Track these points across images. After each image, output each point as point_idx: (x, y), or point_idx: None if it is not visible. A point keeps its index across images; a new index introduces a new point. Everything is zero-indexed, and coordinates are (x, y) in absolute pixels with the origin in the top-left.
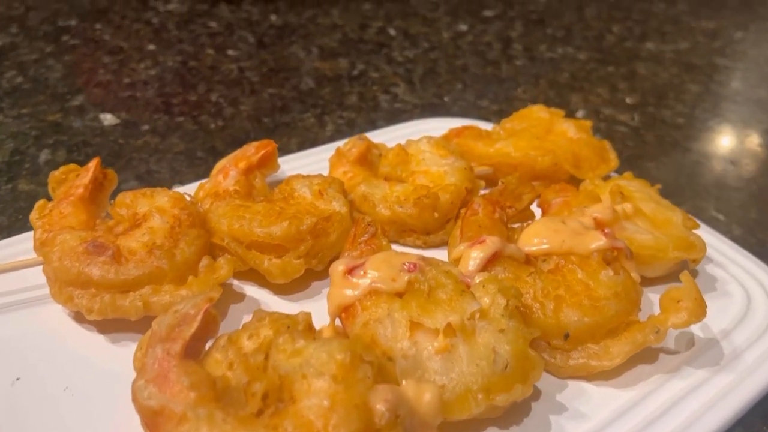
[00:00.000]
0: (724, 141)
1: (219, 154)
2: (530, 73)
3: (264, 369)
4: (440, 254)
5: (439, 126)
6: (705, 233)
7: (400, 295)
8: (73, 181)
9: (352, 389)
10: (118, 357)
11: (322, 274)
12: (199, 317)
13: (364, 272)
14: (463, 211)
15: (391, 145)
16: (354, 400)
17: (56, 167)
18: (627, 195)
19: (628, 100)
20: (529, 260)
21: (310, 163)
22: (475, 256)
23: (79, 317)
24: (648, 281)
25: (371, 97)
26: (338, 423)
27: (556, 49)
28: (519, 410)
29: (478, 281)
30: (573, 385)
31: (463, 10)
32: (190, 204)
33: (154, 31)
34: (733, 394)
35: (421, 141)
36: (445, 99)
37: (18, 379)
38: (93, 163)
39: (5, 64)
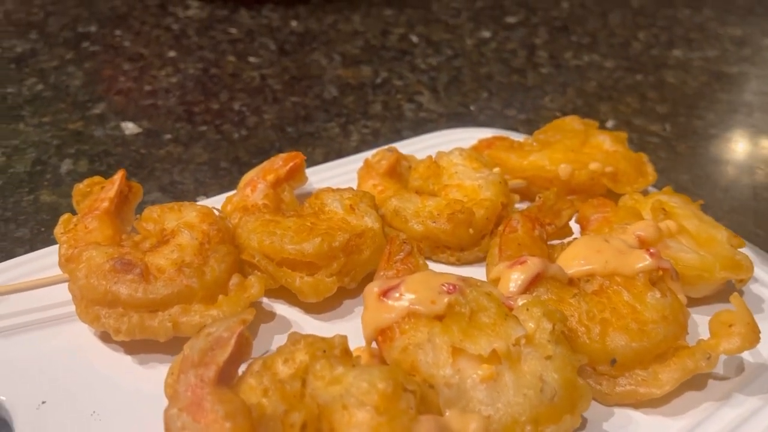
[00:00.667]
0: (760, 152)
1: (243, 165)
2: (557, 82)
3: (301, 397)
4: (475, 271)
5: (466, 136)
6: (749, 251)
7: (439, 318)
8: (98, 194)
9: (396, 421)
10: (147, 379)
11: (355, 293)
12: (233, 341)
13: (400, 294)
14: (501, 228)
15: (419, 156)
16: None
17: (78, 178)
18: (669, 211)
19: (659, 110)
20: (571, 281)
21: (337, 174)
22: (516, 278)
23: (105, 336)
24: (692, 302)
25: (395, 105)
26: None
27: (582, 56)
28: None
29: (521, 304)
30: (620, 413)
31: (486, 17)
32: (219, 219)
33: (174, 37)
34: None
35: (453, 153)
36: (471, 108)
37: (44, 402)
38: (118, 176)
39: (26, 71)
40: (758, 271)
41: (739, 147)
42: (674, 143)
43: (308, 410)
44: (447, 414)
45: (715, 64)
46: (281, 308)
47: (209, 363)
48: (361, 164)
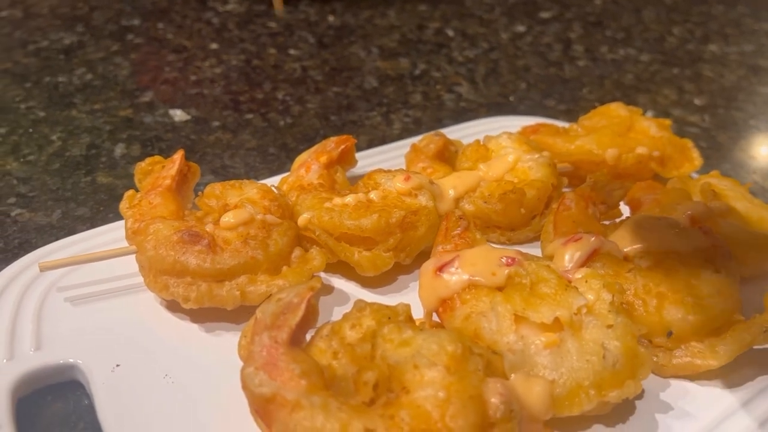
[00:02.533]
0: None
1: (291, 151)
2: (594, 74)
3: (371, 358)
4: (526, 251)
5: (509, 124)
6: None
7: (500, 289)
8: (159, 172)
9: (466, 380)
10: (215, 345)
11: (410, 269)
12: (304, 305)
13: (456, 268)
14: (555, 206)
15: (465, 142)
16: (469, 392)
17: (132, 161)
18: (719, 193)
19: (697, 102)
20: (626, 257)
21: (384, 159)
22: (571, 254)
23: (171, 306)
24: (745, 280)
25: (435, 96)
26: (455, 414)
27: (618, 50)
28: (624, 409)
29: (579, 276)
30: (676, 384)
31: (519, 12)
32: (278, 196)
33: (216, 30)
34: None
35: (501, 137)
36: (511, 98)
37: (118, 365)
38: (178, 155)
39: (74, 61)
40: None
41: None
42: (714, 133)
43: (379, 370)
44: (512, 377)
45: (752, 58)
46: (339, 282)
47: (282, 325)
48: (406, 150)
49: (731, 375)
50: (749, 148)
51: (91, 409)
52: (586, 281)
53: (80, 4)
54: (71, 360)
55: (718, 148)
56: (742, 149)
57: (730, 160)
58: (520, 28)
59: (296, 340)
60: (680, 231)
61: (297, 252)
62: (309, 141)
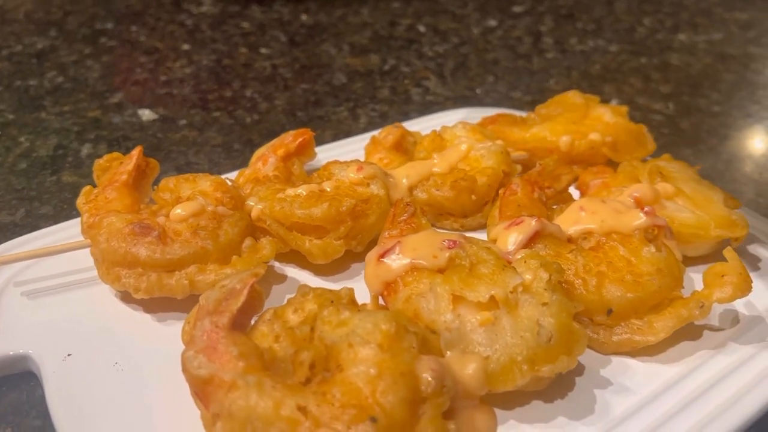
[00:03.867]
0: (763, 126)
1: (255, 146)
2: (562, 66)
3: (310, 340)
4: (478, 237)
5: (472, 116)
6: (746, 213)
7: (441, 271)
8: (117, 168)
9: (398, 357)
10: (165, 334)
11: (361, 256)
12: (246, 291)
13: (398, 253)
14: (501, 191)
15: (425, 134)
16: (400, 368)
17: None
18: (666, 175)
19: (662, 90)
20: (570, 239)
21: (345, 152)
22: (514, 236)
23: (125, 297)
24: (690, 261)
25: (403, 90)
26: (385, 389)
27: (587, 42)
28: (563, 385)
29: (519, 257)
30: (617, 360)
31: (492, 6)
32: (231, 188)
33: (188, 32)
34: None
35: (456, 126)
36: (477, 91)
37: (69, 355)
38: (136, 151)
39: (46, 65)
40: (755, 232)
41: (741, 123)
42: (677, 120)
43: (316, 350)
44: (448, 355)
45: (720, 46)
46: (292, 271)
47: (223, 311)
48: (368, 142)
49: (670, 350)
50: (711, 134)
51: (42, 399)
52: (525, 262)
53: (54, 9)
54: (23, 351)
55: (681, 135)
56: (704, 135)
57: (692, 145)
58: (492, 23)
59: (239, 325)
60: (623, 212)
61: (248, 242)
62: (274, 137)
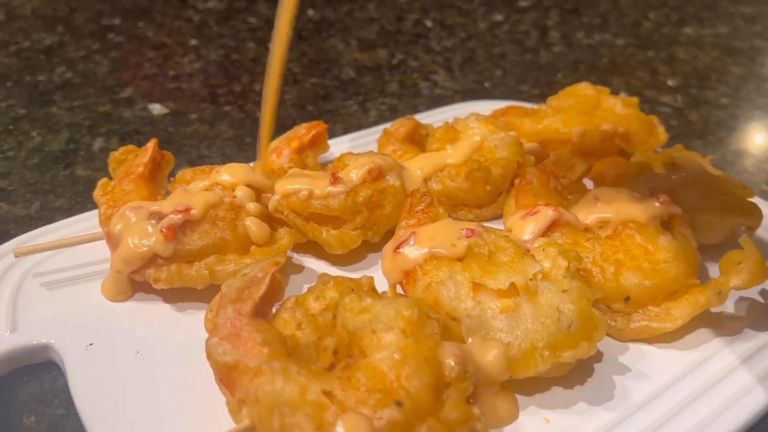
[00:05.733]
0: None
1: None
2: (569, 59)
3: (333, 327)
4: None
5: (482, 108)
6: (761, 203)
7: (460, 259)
8: (133, 161)
9: (422, 343)
10: (185, 324)
11: (378, 246)
12: (267, 279)
13: (413, 243)
14: (517, 181)
15: (437, 126)
16: (424, 353)
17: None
18: (680, 165)
19: (670, 83)
20: (586, 228)
21: (358, 145)
22: (531, 226)
23: (144, 288)
24: (704, 249)
25: (412, 84)
26: (410, 374)
27: (594, 36)
28: (582, 371)
29: (537, 245)
30: (635, 347)
31: (498, 1)
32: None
33: (196, 27)
34: None
35: (469, 118)
36: (486, 85)
37: (91, 344)
38: (151, 144)
39: (54, 60)
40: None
41: (750, 114)
42: (686, 112)
43: (339, 336)
44: (469, 341)
45: (727, 39)
46: (309, 261)
47: (246, 299)
48: (380, 134)
49: (687, 337)
50: (720, 126)
51: (65, 388)
52: (544, 249)
53: (61, 6)
54: (45, 340)
55: (689, 126)
56: (713, 127)
57: (701, 137)
58: (498, 17)
59: (260, 313)
60: (638, 201)
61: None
62: (285, 130)
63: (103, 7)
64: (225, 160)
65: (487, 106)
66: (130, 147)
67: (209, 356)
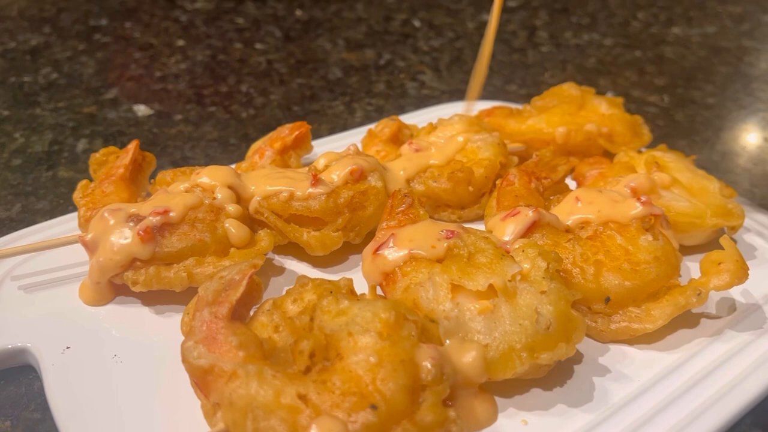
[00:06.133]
0: (757, 118)
1: (251, 141)
2: (557, 59)
3: (310, 330)
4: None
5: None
6: (742, 203)
7: (440, 260)
8: (114, 162)
9: (398, 346)
10: (163, 326)
11: (360, 248)
12: (245, 282)
13: (392, 245)
14: (498, 182)
15: (421, 126)
16: (400, 356)
17: None
18: (662, 165)
19: (657, 82)
20: (567, 229)
21: (342, 146)
22: (511, 227)
23: (123, 291)
24: (687, 250)
25: (399, 84)
26: (386, 377)
27: (582, 35)
28: (562, 372)
29: (517, 246)
30: (615, 348)
31: (487, 1)
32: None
33: (183, 28)
34: None
35: (452, 119)
36: None
37: (68, 347)
38: (132, 145)
39: (40, 61)
40: (751, 222)
41: (736, 114)
42: (672, 112)
43: (316, 340)
44: (447, 343)
45: (714, 39)
46: (290, 263)
47: (222, 301)
48: (365, 135)
49: (668, 338)
50: (706, 125)
51: (42, 392)
52: (523, 251)
53: (48, 6)
54: (21, 344)
55: (675, 126)
56: (699, 127)
57: (687, 137)
58: (487, 17)
59: (238, 315)
60: (619, 202)
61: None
62: (270, 131)
63: (91, 8)
64: (209, 161)
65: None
66: (112, 148)
67: (184, 360)
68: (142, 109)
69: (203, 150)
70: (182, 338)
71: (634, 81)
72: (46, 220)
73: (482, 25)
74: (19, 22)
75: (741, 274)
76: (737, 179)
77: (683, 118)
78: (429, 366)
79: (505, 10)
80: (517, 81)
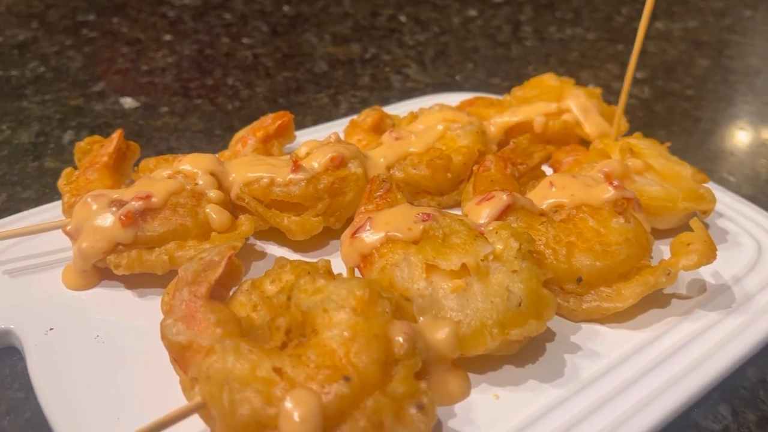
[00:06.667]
0: (735, 110)
1: (236, 132)
2: (540, 53)
3: (287, 308)
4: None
5: (450, 100)
6: (715, 189)
7: (416, 242)
8: (98, 150)
9: (372, 321)
10: (145, 308)
11: (340, 233)
12: (223, 263)
13: (369, 228)
14: (475, 168)
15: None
16: (374, 331)
17: None
18: (637, 152)
19: (638, 75)
20: (542, 213)
21: (325, 135)
22: (486, 211)
23: (106, 275)
24: (660, 234)
25: (383, 77)
26: (359, 351)
27: (566, 30)
28: (534, 350)
29: (491, 228)
30: (587, 327)
31: None
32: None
33: (170, 23)
34: (745, 334)
35: (433, 108)
36: (457, 78)
37: (51, 329)
38: (116, 134)
39: (27, 56)
40: (723, 207)
41: (714, 105)
42: (651, 103)
43: (292, 317)
44: (421, 320)
45: (695, 33)
46: (272, 248)
47: (201, 281)
48: (347, 125)
49: (640, 317)
50: (684, 116)
51: (25, 372)
52: (497, 232)
53: (36, 2)
54: (4, 326)
55: (654, 117)
56: (677, 117)
57: (665, 127)
58: (472, 12)
59: (217, 295)
60: (592, 186)
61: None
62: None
63: (78, 3)
64: (194, 151)
65: (455, 98)
66: (96, 137)
67: (163, 336)
68: (128, 102)
69: (188, 141)
70: (161, 317)
71: (615, 74)
72: (31, 208)
73: (468, 20)
74: (7, 18)
75: (709, 254)
76: (713, 167)
77: (662, 109)
78: (401, 341)
79: (490, 5)
80: (501, 74)
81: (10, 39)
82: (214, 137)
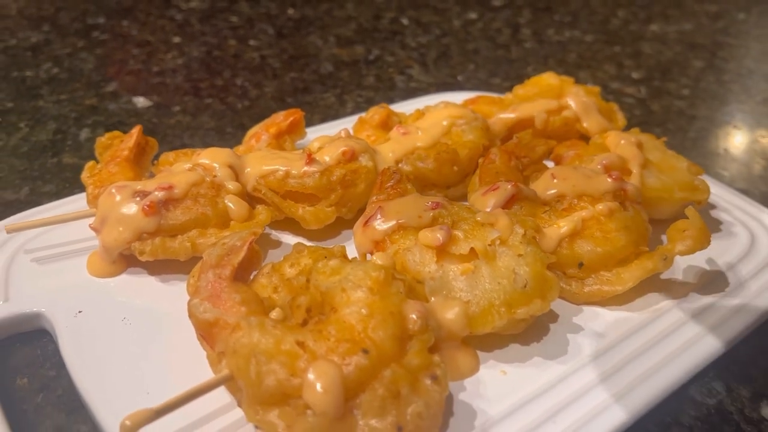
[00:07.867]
0: (729, 108)
1: (247, 129)
2: (539, 55)
3: (306, 288)
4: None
5: (453, 98)
6: (710, 182)
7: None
8: (119, 145)
9: (387, 299)
10: (169, 293)
11: (352, 223)
12: (245, 247)
13: (380, 217)
14: (481, 160)
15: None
16: (389, 308)
17: None
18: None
19: (634, 76)
20: (544, 202)
21: (334, 132)
22: (492, 201)
23: (130, 261)
24: (657, 224)
25: (387, 78)
26: (376, 326)
27: (564, 32)
28: (539, 330)
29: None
30: (588, 309)
31: (472, 1)
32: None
33: (179, 26)
34: (738, 316)
35: (438, 105)
36: (459, 78)
37: (80, 312)
38: (136, 130)
39: (41, 57)
40: (718, 199)
41: (708, 104)
42: (648, 102)
43: (312, 296)
44: (432, 300)
45: (690, 36)
46: (287, 237)
47: (225, 264)
48: (356, 122)
49: (638, 300)
50: (679, 115)
51: (56, 353)
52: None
53: (46, 6)
54: (36, 309)
55: (650, 115)
56: (673, 116)
57: (661, 124)
58: (473, 15)
59: (239, 278)
60: (592, 177)
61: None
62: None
63: (88, 7)
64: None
65: (458, 97)
66: (116, 133)
67: (191, 315)
68: (141, 101)
69: (201, 138)
70: (185, 301)
71: (612, 74)
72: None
73: (468, 23)
74: (19, 21)
75: (703, 239)
76: (707, 163)
77: (658, 108)
78: (415, 317)
79: (490, 9)
80: (501, 74)
81: (23, 41)
82: (225, 134)
